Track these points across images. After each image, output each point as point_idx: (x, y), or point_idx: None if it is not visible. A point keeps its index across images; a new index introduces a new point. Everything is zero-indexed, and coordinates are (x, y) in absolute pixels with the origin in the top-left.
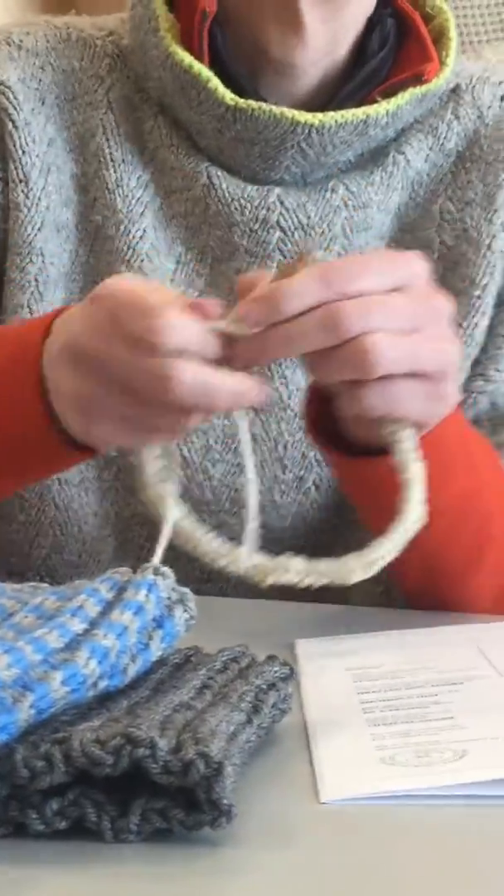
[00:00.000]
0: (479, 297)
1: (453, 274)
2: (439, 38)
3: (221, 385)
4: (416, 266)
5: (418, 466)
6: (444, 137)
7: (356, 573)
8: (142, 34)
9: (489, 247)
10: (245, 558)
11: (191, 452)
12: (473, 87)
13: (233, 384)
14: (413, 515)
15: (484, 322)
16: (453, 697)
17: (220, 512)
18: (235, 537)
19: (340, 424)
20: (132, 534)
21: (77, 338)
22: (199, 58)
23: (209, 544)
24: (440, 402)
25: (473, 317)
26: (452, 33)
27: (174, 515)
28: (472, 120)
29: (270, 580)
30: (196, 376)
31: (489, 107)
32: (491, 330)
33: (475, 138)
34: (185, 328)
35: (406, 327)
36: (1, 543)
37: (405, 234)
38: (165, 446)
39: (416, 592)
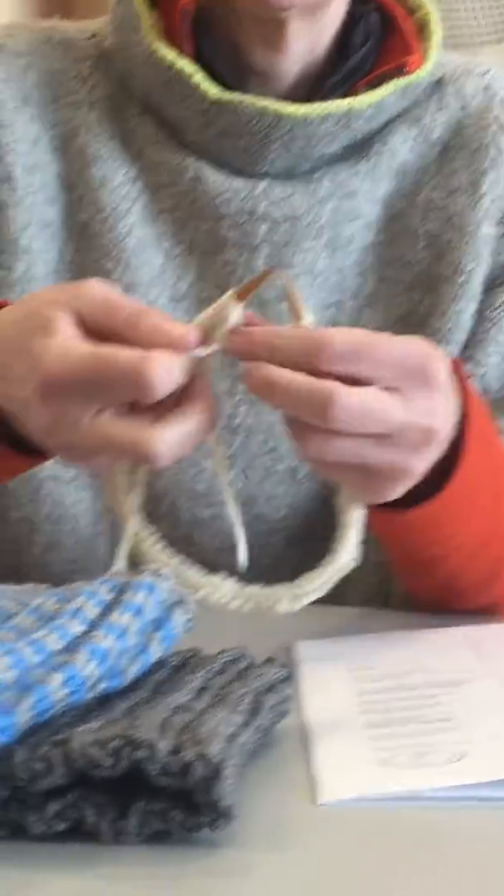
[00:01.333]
0: (465, 283)
1: (440, 262)
2: (422, 30)
3: (179, 437)
4: (428, 368)
5: (358, 513)
6: (429, 128)
7: (283, 604)
8: (124, 33)
9: (474, 233)
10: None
11: None
12: (457, 78)
13: (182, 431)
14: (345, 557)
15: (472, 307)
16: (452, 699)
17: (214, 504)
18: (230, 529)
19: None
20: (121, 528)
21: (50, 384)
22: (181, 55)
23: (158, 555)
24: (376, 497)
25: (460, 302)
26: (434, 26)
27: (134, 526)
28: (456, 110)
29: (200, 595)
30: (171, 443)
31: (473, 97)
32: (480, 314)
33: (459, 128)
34: (172, 376)
35: (381, 432)
36: None
37: (393, 224)
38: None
39: (428, 606)
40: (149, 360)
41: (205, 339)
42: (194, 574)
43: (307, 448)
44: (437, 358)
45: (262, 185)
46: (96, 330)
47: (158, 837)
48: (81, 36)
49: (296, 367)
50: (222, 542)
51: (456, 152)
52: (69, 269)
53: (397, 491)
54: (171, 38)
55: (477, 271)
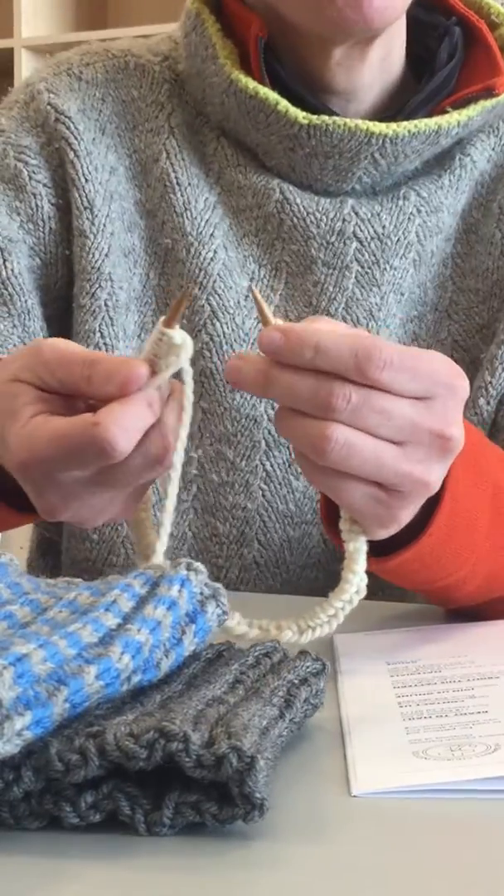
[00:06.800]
0: None
1: None
2: None
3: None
4: (456, 383)
5: (361, 544)
6: None
7: (288, 635)
8: (199, 62)
9: None
10: None
11: (273, 467)
12: None
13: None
14: (352, 589)
15: None
16: (489, 692)
17: (303, 523)
18: (316, 546)
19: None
20: (210, 554)
21: (26, 468)
22: (259, 81)
23: None
24: (387, 519)
25: None
26: None
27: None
28: None
29: None
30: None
31: None
32: None
33: None
34: (128, 427)
35: (394, 438)
36: (75, 561)
37: (469, 235)
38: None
39: (475, 609)
40: (102, 428)
41: (153, 369)
42: None
43: (327, 454)
44: (462, 376)
45: (350, 203)
46: (59, 390)
47: (192, 829)
48: (155, 59)
49: (338, 369)
50: (308, 558)
51: None
52: (154, 294)
53: (409, 511)
54: (246, 66)
55: None
